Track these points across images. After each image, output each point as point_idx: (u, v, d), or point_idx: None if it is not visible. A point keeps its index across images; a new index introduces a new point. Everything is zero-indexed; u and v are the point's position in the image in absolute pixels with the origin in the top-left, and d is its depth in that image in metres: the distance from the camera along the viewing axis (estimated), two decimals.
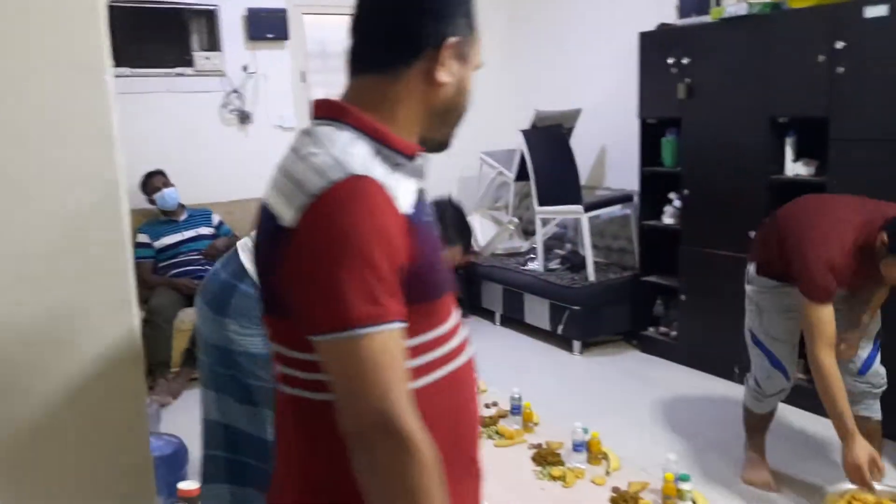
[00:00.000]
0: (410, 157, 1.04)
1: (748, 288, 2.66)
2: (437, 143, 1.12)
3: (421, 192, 1.06)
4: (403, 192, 0.99)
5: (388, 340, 0.92)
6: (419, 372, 1.01)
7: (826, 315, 2.27)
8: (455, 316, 1.10)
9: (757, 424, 2.83)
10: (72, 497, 1.36)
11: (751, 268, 2.64)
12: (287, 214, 0.95)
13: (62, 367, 1.34)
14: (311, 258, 0.93)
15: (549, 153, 4.66)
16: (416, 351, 1.01)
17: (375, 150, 1.00)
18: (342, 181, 0.93)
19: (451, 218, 2.26)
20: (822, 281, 2.26)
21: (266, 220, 1.00)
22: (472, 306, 5.05)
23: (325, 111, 1.04)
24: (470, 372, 1.13)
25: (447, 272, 1.08)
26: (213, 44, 4.63)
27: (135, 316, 1.39)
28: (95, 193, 1.29)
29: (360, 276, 0.91)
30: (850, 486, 2.42)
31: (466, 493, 1.12)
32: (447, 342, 1.06)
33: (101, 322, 1.36)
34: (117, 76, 4.32)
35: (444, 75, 1.04)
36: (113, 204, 1.31)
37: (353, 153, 0.97)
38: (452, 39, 1.03)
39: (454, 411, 1.08)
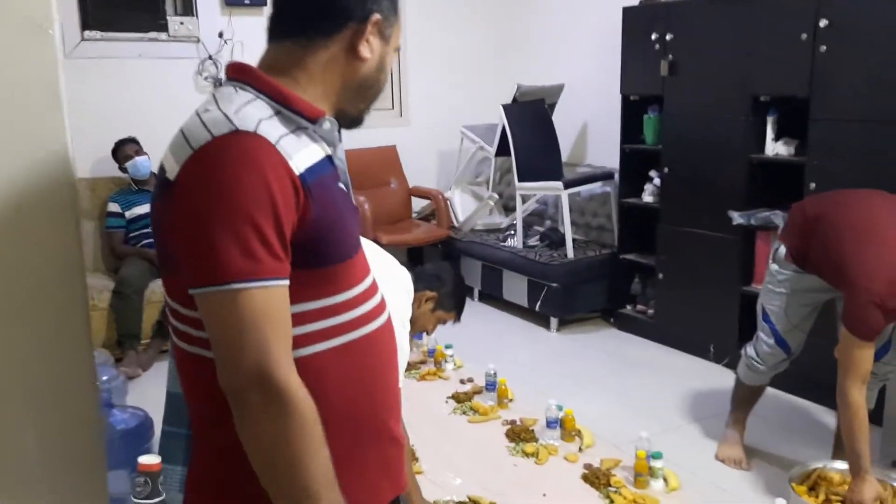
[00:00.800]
0: (313, 120, 1.03)
1: (773, 267, 2.58)
2: (352, 118, 1.13)
3: (330, 157, 1.06)
4: (305, 154, 0.99)
5: (266, 296, 0.92)
6: (322, 335, 1.02)
7: (867, 354, 2.22)
8: (367, 282, 1.10)
9: (744, 399, 2.81)
10: (20, 471, 1.32)
11: (781, 249, 2.54)
12: (174, 169, 0.96)
13: (4, 340, 1.29)
14: (188, 210, 0.93)
15: (530, 128, 4.61)
16: (318, 314, 1.02)
17: (275, 111, 1.00)
18: (225, 136, 0.93)
19: (451, 286, 2.38)
20: (870, 320, 2.19)
21: (159, 178, 1.01)
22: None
23: (233, 73, 1.06)
24: (384, 338, 1.12)
25: (354, 238, 1.08)
26: (187, 8, 4.50)
27: (83, 286, 1.34)
28: (41, 159, 1.24)
29: (237, 229, 0.91)
30: (817, 464, 2.45)
31: (376, 460, 1.12)
32: (355, 307, 1.06)
33: (47, 293, 1.31)
34: (87, 40, 4.24)
35: (367, 51, 1.07)
36: (61, 170, 1.26)
37: (247, 112, 0.97)
38: (377, 16, 1.06)
39: (365, 377, 1.08)
